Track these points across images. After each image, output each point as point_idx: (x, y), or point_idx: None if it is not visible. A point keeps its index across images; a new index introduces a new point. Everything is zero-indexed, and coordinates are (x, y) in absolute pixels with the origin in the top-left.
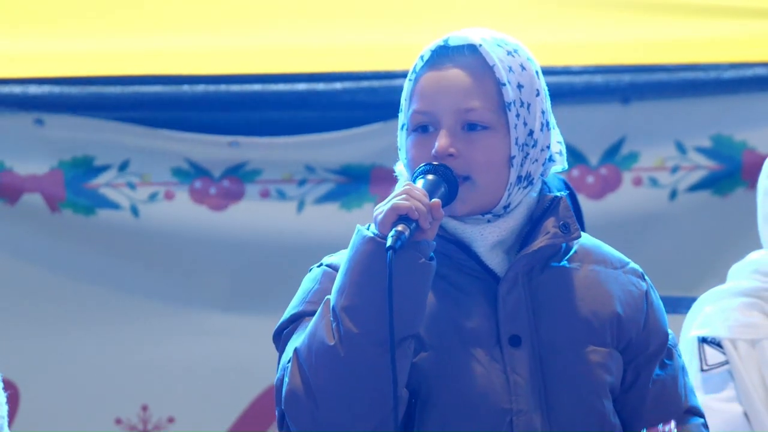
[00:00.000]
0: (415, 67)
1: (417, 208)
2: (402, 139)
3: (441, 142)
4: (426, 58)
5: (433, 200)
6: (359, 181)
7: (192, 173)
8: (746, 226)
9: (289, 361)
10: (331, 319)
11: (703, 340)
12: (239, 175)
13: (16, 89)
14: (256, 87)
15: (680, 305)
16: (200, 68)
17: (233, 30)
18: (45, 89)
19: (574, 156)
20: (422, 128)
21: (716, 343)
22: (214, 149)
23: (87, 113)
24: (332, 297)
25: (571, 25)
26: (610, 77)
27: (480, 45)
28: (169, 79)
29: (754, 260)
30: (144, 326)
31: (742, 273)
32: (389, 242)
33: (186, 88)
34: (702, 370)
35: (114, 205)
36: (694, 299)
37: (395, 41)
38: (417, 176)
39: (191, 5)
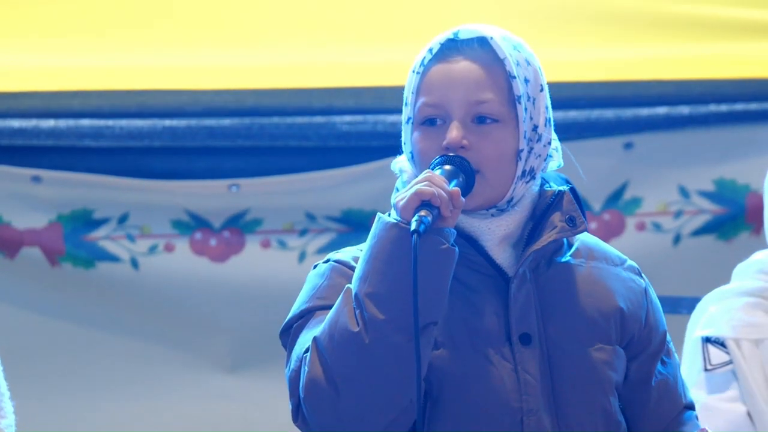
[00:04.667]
0: (423, 60)
1: (439, 195)
2: (407, 133)
3: (453, 133)
4: (435, 50)
5: (452, 188)
6: (360, 230)
7: (192, 225)
8: None
9: (306, 351)
10: (354, 306)
11: (707, 340)
12: (240, 226)
13: (14, 141)
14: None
15: (680, 305)
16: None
17: (229, 48)
18: (40, 139)
19: None
20: (430, 121)
21: (720, 343)
22: (214, 197)
23: (83, 156)
24: (354, 284)
25: (571, 43)
26: (611, 112)
27: (491, 38)
28: (166, 113)
29: (758, 260)
30: (145, 381)
31: (747, 273)
32: (413, 226)
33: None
34: (706, 369)
35: (114, 258)
36: (694, 299)
37: (391, 60)
38: (434, 167)
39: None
